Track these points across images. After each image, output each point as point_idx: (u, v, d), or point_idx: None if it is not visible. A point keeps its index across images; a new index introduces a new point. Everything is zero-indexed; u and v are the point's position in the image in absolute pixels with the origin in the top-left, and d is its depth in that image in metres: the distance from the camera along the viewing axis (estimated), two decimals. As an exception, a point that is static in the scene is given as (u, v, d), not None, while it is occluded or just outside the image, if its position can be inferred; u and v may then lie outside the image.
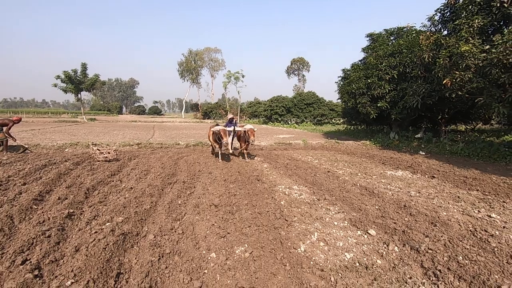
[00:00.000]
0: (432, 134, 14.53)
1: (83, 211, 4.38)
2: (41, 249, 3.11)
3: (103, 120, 41.94)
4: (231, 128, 9.44)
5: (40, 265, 2.82)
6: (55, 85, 32.07)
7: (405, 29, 15.97)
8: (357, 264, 3.01)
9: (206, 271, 2.79)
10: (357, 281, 2.68)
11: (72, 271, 2.68)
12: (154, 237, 3.49)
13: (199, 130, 23.75)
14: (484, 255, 3.15)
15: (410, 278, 2.75)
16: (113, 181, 6.29)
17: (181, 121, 44.55)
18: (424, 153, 11.46)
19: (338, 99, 18.89)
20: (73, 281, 2.53)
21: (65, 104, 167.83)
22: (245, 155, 9.51)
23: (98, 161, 8.56)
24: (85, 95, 34.30)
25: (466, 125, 19.33)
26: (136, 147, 11.79)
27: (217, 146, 9.10)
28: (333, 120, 39.52)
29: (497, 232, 3.77)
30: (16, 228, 3.71)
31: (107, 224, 3.81)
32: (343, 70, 18.08)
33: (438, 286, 2.62)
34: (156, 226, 3.83)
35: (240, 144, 9.83)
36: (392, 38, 16.40)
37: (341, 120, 35.39)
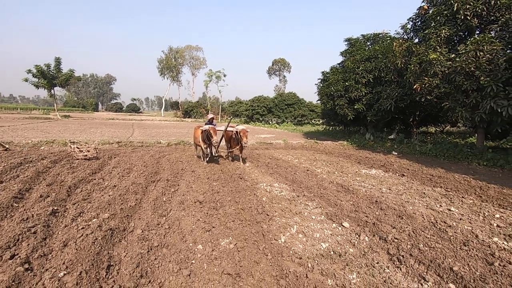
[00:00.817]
0: (404, 135, 15.42)
1: (67, 209, 4.40)
2: (28, 245, 3.16)
3: (78, 117, 40.32)
4: (222, 128, 8.98)
5: (29, 259, 2.89)
6: (26, 80, 30.49)
7: (380, 35, 16.81)
8: (332, 252, 3.32)
9: (193, 261, 2.99)
10: (331, 267, 2.98)
11: (63, 263, 2.78)
12: (142, 231, 3.63)
13: (180, 129, 23.54)
14: (441, 243, 3.57)
15: (377, 263, 3.10)
16: (95, 179, 6.27)
17: (161, 120, 43.78)
18: (396, 153, 12.19)
19: (318, 100, 19.50)
20: (65, 272, 2.64)
21: (35, 99, 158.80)
22: (241, 159, 8.93)
23: (78, 159, 8.42)
24: (58, 90, 32.81)
25: (435, 127, 20.59)
26: (116, 146, 11.62)
27: (204, 146, 8.27)
28: (313, 121, 40.45)
29: (454, 223, 4.24)
30: (-2, 226, 3.70)
31: (94, 220, 3.89)
32: (322, 72, 18.71)
33: (400, 269, 2.98)
34: (142, 222, 3.96)
35: (231, 146, 9.03)
36: (368, 43, 17.19)
37: (321, 121, 36.36)
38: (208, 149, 8.38)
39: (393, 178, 7.52)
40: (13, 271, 2.63)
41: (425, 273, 2.89)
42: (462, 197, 5.76)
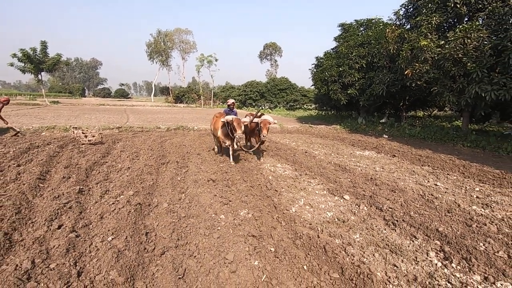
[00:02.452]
0: (395, 119, 16.09)
1: (91, 188, 4.76)
2: (69, 217, 3.55)
3: (67, 103, 39.47)
4: (247, 119, 6.96)
5: (75, 228, 3.29)
6: (12, 64, 29.53)
7: (373, 21, 17.10)
8: (337, 219, 3.84)
9: (219, 227, 3.44)
10: (338, 230, 3.50)
11: (108, 230, 3.20)
12: (168, 205, 4.06)
13: (174, 114, 23.58)
14: (429, 211, 4.13)
15: (376, 226, 3.64)
16: (107, 162, 6.59)
17: (152, 105, 43.28)
18: (387, 136, 12.82)
19: (312, 85, 19.88)
20: (113, 237, 3.06)
21: (16, 84, 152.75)
22: (260, 155, 7.54)
23: (83, 144, 8.65)
24: (42, 75, 31.83)
25: (423, 111, 21.38)
26: (116, 131, 11.81)
27: (227, 142, 6.76)
28: (305, 106, 40.88)
29: (439, 195, 4.83)
30: (33, 203, 4.05)
31: (121, 196, 4.28)
32: (316, 58, 18.98)
33: (395, 231, 3.52)
34: (166, 198, 4.38)
35: (249, 139, 8.15)
36: (362, 29, 17.47)
37: (313, 106, 36.84)
38: (231, 146, 6.80)
39: (385, 158, 8.11)
40: (66, 237, 3.03)
41: (415, 233, 3.44)
42: (447, 174, 6.38)
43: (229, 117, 6.41)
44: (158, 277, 2.52)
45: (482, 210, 4.22)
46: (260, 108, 29.83)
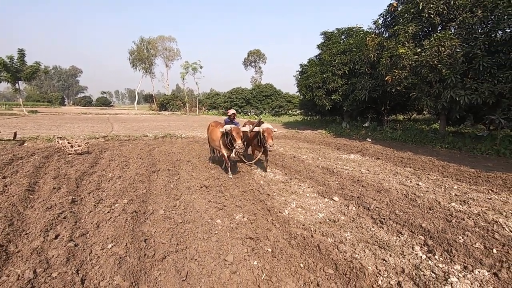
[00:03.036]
0: (377, 123, 16.69)
1: (83, 198, 4.74)
2: (64, 227, 3.55)
3: (46, 112, 38.21)
4: (247, 128, 6.75)
5: (72, 238, 3.30)
6: (-13, 73, 28.42)
7: (354, 29, 17.79)
8: (328, 220, 4.04)
9: (216, 231, 3.55)
10: (329, 230, 3.69)
11: (107, 238, 3.24)
12: (164, 212, 4.12)
13: (160, 122, 23.39)
14: (412, 209, 4.40)
15: (365, 225, 3.85)
16: (96, 171, 6.54)
17: (136, 113, 42.70)
18: (370, 140, 13.30)
19: (297, 91, 20.31)
20: (112, 244, 3.11)
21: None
22: (265, 166, 6.99)
23: (69, 154, 8.51)
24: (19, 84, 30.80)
25: (404, 115, 22.27)
26: (102, 140, 11.63)
27: (226, 152, 6.33)
28: (290, 111, 41.49)
29: (421, 194, 5.14)
30: (24, 215, 4.00)
31: (116, 205, 4.31)
32: (301, 65, 19.49)
33: (383, 228, 3.75)
34: (160, 205, 4.44)
35: (252, 150, 7.48)
36: (343, 37, 18.12)
37: (297, 112, 37.47)
38: (230, 156, 6.48)
39: (370, 161, 8.46)
40: (64, 247, 3.05)
41: (401, 230, 3.68)
42: (428, 174, 6.75)
43: (228, 126, 6.08)
44: (162, 281, 2.60)
45: (460, 206, 4.54)
46: (261, 114, 29.67)
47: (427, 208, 4.42)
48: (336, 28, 18.41)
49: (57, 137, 9.91)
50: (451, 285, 2.56)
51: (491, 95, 9.00)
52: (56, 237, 3.29)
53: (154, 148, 10.08)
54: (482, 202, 4.72)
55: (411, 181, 6.09)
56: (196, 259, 2.93)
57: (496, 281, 2.63)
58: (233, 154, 6.27)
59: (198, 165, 7.44)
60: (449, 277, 2.68)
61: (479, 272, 2.75)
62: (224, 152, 6.33)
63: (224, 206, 4.42)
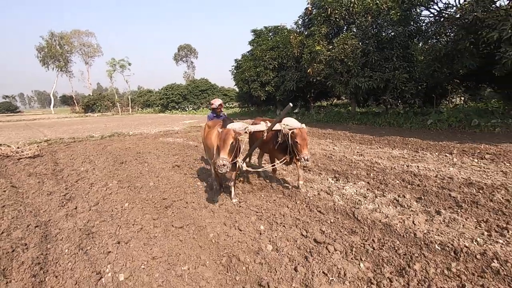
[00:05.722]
0: (305, 109, 19.48)
1: (73, 184, 5.50)
2: (77, 202, 4.49)
3: None
4: (261, 127, 4.48)
5: (90, 207, 4.31)
6: None
7: (279, 27, 20.14)
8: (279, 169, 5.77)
9: (201, 191, 4.94)
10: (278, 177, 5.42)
11: (122, 200, 4.36)
12: (153, 183, 5.31)
13: (93, 124, 22.35)
14: (328, 161, 6.46)
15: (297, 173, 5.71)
16: (64, 168, 7.05)
17: (58, 117, 38.66)
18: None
19: (235, 85, 21.93)
20: (128, 203, 4.26)
21: None
22: (299, 183, 4.67)
23: (20, 158, 8.53)
24: None
25: (327, 101, 25.98)
26: (45, 144, 11.38)
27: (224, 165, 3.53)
28: (227, 104, 43.02)
29: (335, 153, 7.31)
30: (27, 202, 4.72)
31: (110, 185, 5.29)
32: (235, 60, 21.15)
33: (310, 172, 5.66)
34: (147, 180, 5.57)
35: (271, 158, 4.95)
36: (271, 34, 20.33)
37: (234, 104, 39.26)
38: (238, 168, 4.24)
39: (301, 138, 10.64)
40: (89, 211, 4.09)
41: (321, 172, 5.64)
42: (341, 142, 9.15)
43: (235, 126, 3.92)
44: (174, 214, 3.94)
45: (358, 157, 6.80)
46: (198, 109, 29.45)
47: (338, 160, 6.54)
48: (264, 26, 20.54)
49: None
50: (345, 189, 4.53)
51: (381, 81, 12.05)
52: (75, 208, 4.25)
53: (107, 146, 10.51)
54: (372, 154, 7.11)
55: (329, 147, 8.33)
56: (189, 202, 4.31)
57: (368, 185, 4.70)
58: (242, 165, 4.19)
59: (160, 154, 8.46)
60: (344, 187, 4.65)
61: (360, 183, 4.81)
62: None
63: (198, 175, 5.79)
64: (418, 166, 5.64)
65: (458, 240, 2.84)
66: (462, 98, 16.04)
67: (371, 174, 5.30)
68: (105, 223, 3.65)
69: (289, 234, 3.21)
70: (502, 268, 2.37)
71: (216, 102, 5.85)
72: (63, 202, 4.49)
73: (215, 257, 2.83)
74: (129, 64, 44.69)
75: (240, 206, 4.13)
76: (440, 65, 9.88)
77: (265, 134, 4.41)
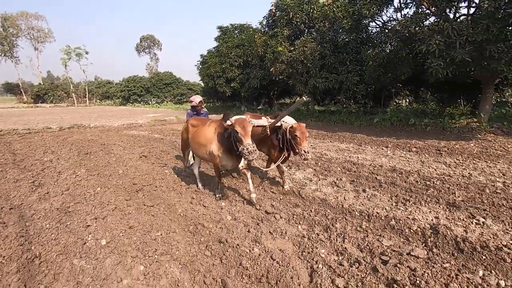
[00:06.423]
0: (268, 106, 20.38)
1: (40, 173, 5.61)
2: (48, 187, 4.72)
3: None
4: (263, 122, 4.27)
5: (63, 192, 4.58)
6: None
7: (245, 25, 20.70)
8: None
9: (167, 175, 5.42)
10: (238, 167, 6.08)
11: (93, 186, 4.70)
12: (122, 171, 5.65)
13: (47, 116, 20.98)
14: (285, 153, 7.28)
15: (258, 164, 6.43)
16: (25, 159, 6.96)
17: (4, 107, 35.24)
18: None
19: (200, 80, 22.09)
20: (100, 188, 4.62)
21: None
22: (283, 180, 4.76)
23: (-29, 149, 8.16)
24: None
25: (290, 99, 27.23)
26: (-4, 134, 10.79)
27: (230, 164, 4.04)
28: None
29: (292, 146, 8.17)
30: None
31: (78, 173, 5.53)
32: (201, 55, 21.30)
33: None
34: (116, 169, 5.88)
35: (273, 154, 4.54)
36: (236, 32, 20.82)
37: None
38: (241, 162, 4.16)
39: (263, 132, 11.43)
40: (61, 195, 4.39)
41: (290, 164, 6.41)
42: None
43: (243, 117, 3.74)
44: (145, 196, 4.41)
45: (313, 150, 7.72)
46: (162, 103, 29.10)
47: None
48: (230, 24, 20.96)
49: None
50: (295, 175, 5.34)
51: (336, 82, 13.27)
52: (47, 193, 4.50)
53: (67, 138, 10.31)
54: (323, 147, 8.09)
55: (287, 141, 9.19)
56: (158, 186, 4.80)
57: (315, 172, 5.56)
58: (241, 164, 4.20)
59: (126, 146, 8.64)
60: (295, 174, 5.46)
61: (309, 170, 5.66)
62: (228, 163, 4.02)
63: (165, 164, 6.24)
64: (358, 157, 6.68)
65: (373, 209, 3.74)
66: (407, 100, 18.15)
67: (319, 163, 6.20)
68: (80, 204, 4.01)
69: (246, 208, 3.90)
70: (397, 224, 3.29)
71: (196, 99, 5.69)
72: (32, 188, 4.69)
73: (183, 226, 3.41)
74: (86, 53, 42.08)
75: (204, 189, 4.71)
76: (384, 71, 11.25)
77: (268, 130, 4.21)
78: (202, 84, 25.31)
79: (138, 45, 68.24)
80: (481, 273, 2.40)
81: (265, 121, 4.28)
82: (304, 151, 3.91)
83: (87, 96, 43.16)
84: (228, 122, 3.57)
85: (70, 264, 2.60)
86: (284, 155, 4.33)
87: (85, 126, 13.32)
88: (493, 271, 2.44)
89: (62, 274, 2.47)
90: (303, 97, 3.99)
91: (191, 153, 5.13)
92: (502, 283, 2.27)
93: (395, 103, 16.91)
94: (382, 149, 7.63)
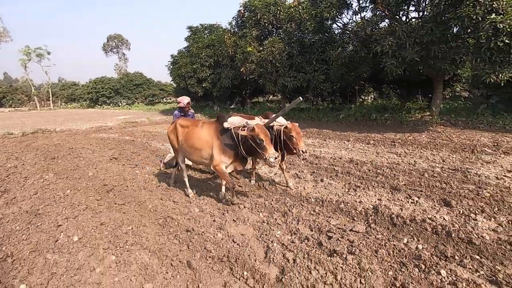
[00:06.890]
0: (241, 105, 20.70)
1: (4, 179, 5.54)
2: (14, 193, 4.73)
3: None
4: (257, 122, 3.93)
5: (31, 196, 4.61)
6: None
7: (215, 25, 20.82)
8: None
9: (138, 176, 5.58)
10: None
11: (62, 188, 4.76)
12: (92, 173, 5.72)
13: (7, 121, 19.92)
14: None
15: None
16: (-12, 165, 6.80)
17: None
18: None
19: (171, 80, 21.89)
20: (69, 191, 4.70)
21: None
22: (286, 179, 4.81)
23: None
24: None
25: (262, 98, 27.71)
26: (-49, 142, 10.17)
27: (239, 168, 4.13)
28: (164, 100, 41.85)
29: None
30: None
31: (46, 177, 5.52)
32: (172, 55, 21.14)
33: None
34: (85, 172, 5.92)
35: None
36: (206, 32, 20.88)
37: (172, 99, 38.50)
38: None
39: (235, 131, 11.73)
40: (30, 199, 4.44)
41: (246, 158, 6.77)
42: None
43: (236, 120, 3.85)
44: (117, 196, 4.56)
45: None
46: (133, 104, 28.46)
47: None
48: (200, 24, 20.99)
49: None
50: (261, 170, 5.72)
51: (304, 81, 13.87)
52: (14, 198, 4.52)
53: (31, 144, 9.99)
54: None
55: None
56: (129, 186, 4.97)
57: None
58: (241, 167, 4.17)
59: (95, 149, 8.57)
60: (261, 168, 5.84)
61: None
62: (229, 168, 3.99)
63: (136, 165, 6.37)
64: (321, 151, 7.21)
65: (327, 195, 4.20)
66: (372, 96, 19.28)
67: (284, 158, 6.62)
68: (50, 206, 4.10)
69: (213, 201, 4.21)
70: (345, 207, 3.76)
71: (184, 100, 5.60)
72: (-2, 194, 4.67)
73: (153, 220, 3.65)
74: (48, 53, 39.88)
75: (175, 186, 4.96)
76: (346, 70, 11.98)
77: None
78: (174, 85, 25.05)
79: (105, 44, 65.41)
80: (405, 240, 2.91)
81: (258, 121, 4.09)
82: (302, 151, 3.91)
83: (51, 99, 40.92)
84: (245, 129, 3.47)
85: (44, 259, 2.77)
86: (279, 155, 4.07)
87: (50, 131, 12.87)
88: (415, 238, 2.96)
89: (36, 268, 2.64)
90: (300, 97, 3.58)
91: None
92: (420, 246, 2.78)
93: (361, 99, 17.92)
94: (344, 142, 8.24)
